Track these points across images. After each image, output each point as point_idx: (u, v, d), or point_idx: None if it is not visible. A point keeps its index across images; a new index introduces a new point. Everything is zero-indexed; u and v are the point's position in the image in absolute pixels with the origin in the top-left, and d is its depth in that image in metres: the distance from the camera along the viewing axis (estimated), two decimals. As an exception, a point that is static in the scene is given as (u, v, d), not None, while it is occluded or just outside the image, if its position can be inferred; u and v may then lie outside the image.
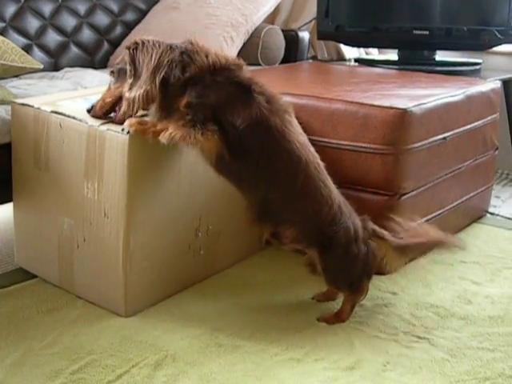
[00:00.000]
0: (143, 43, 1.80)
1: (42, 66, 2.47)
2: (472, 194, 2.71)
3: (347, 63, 3.74)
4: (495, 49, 3.35)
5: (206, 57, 1.79)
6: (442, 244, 1.98)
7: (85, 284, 2.03)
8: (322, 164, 1.90)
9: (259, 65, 3.25)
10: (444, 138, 2.40)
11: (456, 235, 2.63)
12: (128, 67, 1.81)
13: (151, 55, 1.78)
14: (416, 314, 2.03)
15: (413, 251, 1.94)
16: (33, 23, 3.00)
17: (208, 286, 2.18)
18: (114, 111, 1.90)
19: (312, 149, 1.89)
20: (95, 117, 1.92)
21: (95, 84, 2.57)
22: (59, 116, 1.96)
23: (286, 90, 2.39)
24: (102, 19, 3.24)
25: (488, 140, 2.74)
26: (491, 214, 2.93)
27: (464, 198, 2.65)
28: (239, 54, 3.11)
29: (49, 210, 2.06)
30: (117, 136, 1.84)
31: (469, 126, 2.55)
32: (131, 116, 1.83)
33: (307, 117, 2.30)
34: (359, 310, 2.03)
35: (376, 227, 1.96)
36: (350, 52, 3.86)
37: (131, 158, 1.84)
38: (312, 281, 2.06)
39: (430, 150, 2.32)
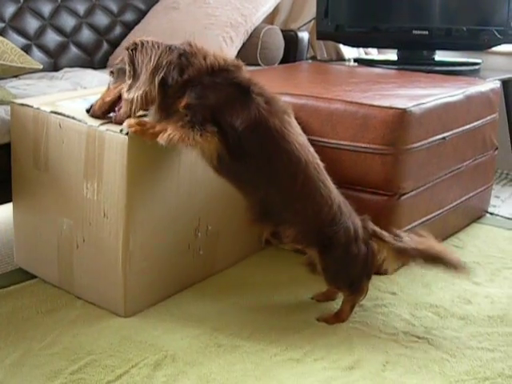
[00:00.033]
0: (142, 44, 1.80)
1: (41, 67, 2.46)
2: (471, 194, 2.71)
3: (346, 63, 3.74)
4: (494, 49, 3.35)
5: (204, 59, 1.79)
6: (442, 258, 1.94)
7: (84, 284, 2.03)
8: (321, 164, 1.90)
9: (258, 65, 3.25)
10: (443, 138, 2.40)
11: (456, 236, 2.64)
12: (127, 68, 1.81)
13: (150, 56, 1.78)
14: (415, 314, 2.04)
15: (411, 256, 1.92)
16: (32, 23, 3.00)
17: (207, 286, 2.18)
18: (114, 111, 1.90)
19: (311, 149, 1.90)
20: (94, 116, 1.92)
21: (94, 84, 2.57)
22: (59, 116, 1.96)
23: (285, 90, 2.40)
24: (101, 19, 3.24)
25: (487, 140, 2.74)
26: (491, 213, 2.93)
27: (463, 198, 2.65)
28: (238, 54, 3.11)
29: (48, 210, 2.06)
30: (116, 136, 1.84)
31: (468, 126, 2.55)
32: (130, 117, 1.83)
33: (306, 117, 2.30)
34: (359, 310, 2.03)
35: (376, 228, 1.96)
36: (350, 52, 3.86)
37: (130, 159, 1.84)
38: (311, 281, 2.06)
39: (429, 150, 2.32)
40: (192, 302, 2.06)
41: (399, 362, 1.78)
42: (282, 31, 3.37)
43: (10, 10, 2.94)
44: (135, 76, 1.80)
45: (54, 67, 3.02)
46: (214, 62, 1.79)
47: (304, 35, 3.44)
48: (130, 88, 1.80)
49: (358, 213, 1.96)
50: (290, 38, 3.38)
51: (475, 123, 2.60)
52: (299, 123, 1.93)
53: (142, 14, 3.37)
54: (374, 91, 2.45)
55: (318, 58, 3.80)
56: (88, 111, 1.93)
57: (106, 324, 1.92)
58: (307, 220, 1.88)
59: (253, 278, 2.24)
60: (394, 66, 3.24)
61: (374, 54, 3.95)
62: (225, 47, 3.03)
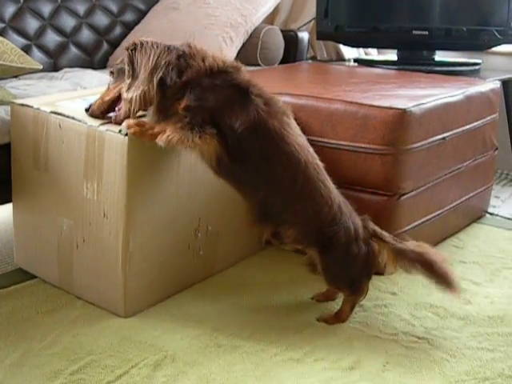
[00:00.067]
0: (142, 44, 1.81)
1: (41, 67, 2.46)
2: (471, 194, 2.71)
3: (346, 63, 3.74)
4: (494, 49, 3.35)
5: (203, 61, 1.79)
6: (435, 264, 1.92)
7: (84, 284, 2.03)
8: (321, 164, 1.90)
9: (258, 65, 3.25)
10: (443, 138, 2.40)
11: (456, 236, 2.64)
12: (126, 67, 1.82)
13: (149, 56, 1.78)
14: (415, 315, 2.04)
15: (410, 258, 1.91)
16: (32, 24, 3.00)
17: (207, 286, 2.18)
18: (113, 111, 1.90)
19: (311, 150, 1.89)
20: (93, 116, 1.92)
21: (94, 84, 2.57)
22: (58, 116, 1.96)
23: (285, 91, 2.40)
24: (101, 19, 3.24)
25: (487, 140, 2.74)
26: (491, 214, 2.93)
27: (463, 198, 2.65)
28: (238, 54, 3.11)
29: (48, 210, 2.06)
30: (116, 136, 1.84)
31: (468, 126, 2.55)
32: (129, 117, 1.83)
33: (306, 117, 2.30)
34: (359, 310, 2.03)
35: (376, 228, 1.96)
36: (350, 52, 3.86)
37: (130, 159, 1.84)
38: (312, 281, 2.06)
39: (429, 150, 2.32)
40: (192, 303, 2.06)
41: (399, 362, 1.78)
42: (282, 31, 3.37)
43: (9, 10, 2.94)
44: (134, 75, 1.80)
45: (54, 67, 3.02)
46: (212, 64, 1.79)
47: (304, 35, 3.44)
48: (129, 87, 1.81)
49: (358, 213, 1.96)
50: (290, 38, 3.38)
51: (475, 123, 2.60)
52: (299, 123, 1.93)
53: (141, 14, 3.37)
54: (373, 91, 2.45)
55: (318, 58, 3.80)
56: (87, 110, 1.93)
57: (105, 324, 1.92)
58: (307, 220, 1.88)
59: (253, 279, 2.24)
60: (393, 67, 3.24)
61: (373, 54, 3.95)
62: (225, 47, 3.03)
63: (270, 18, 3.63)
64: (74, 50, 3.12)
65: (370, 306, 2.07)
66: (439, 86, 2.62)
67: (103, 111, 1.92)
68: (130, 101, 1.79)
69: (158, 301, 2.04)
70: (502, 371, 1.75)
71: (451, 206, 2.57)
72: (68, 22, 3.12)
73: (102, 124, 1.88)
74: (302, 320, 1.99)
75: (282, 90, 2.39)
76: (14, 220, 2.20)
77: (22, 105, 2.04)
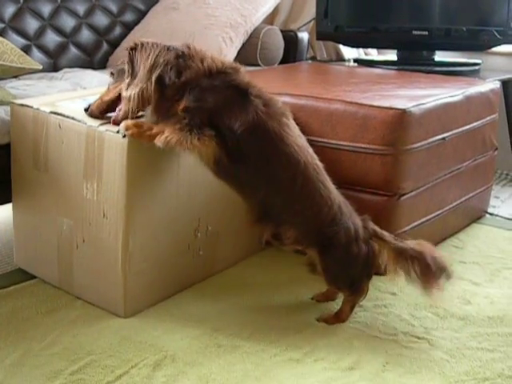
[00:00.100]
0: (142, 44, 1.81)
1: (41, 67, 2.47)
2: (471, 195, 2.71)
3: (346, 64, 3.74)
4: (494, 49, 3.35)
5: (202, 62, 1.79)
6: (435, 261, 1.92)
7: (84, 284, 2.03)
8: (321, 165, 1.90)
9: (258, 65, 3.25)
10: (443, 139, 2.40)
11: (456, 236, 2.64)
12: (126, 67, 1.83)
13: (148, 54, 1.79)
14: (415, 315, 2.04)
15: (411, 258, 1.90)
16: (32, 24, 3.00)
17: (207, 286, 2.18)
18: (113, 111, 1.90)
19: (311, 150, 1.89)
20: (92, 116, 1.92)
21: (94, 84, 2.57)
22: (58, 117, 1.96)
23: (285, 91, 2.40)
24: (101, 20, 3.24)
25: (487, 140, 2.74)
26: (490, 214, 2.93)
27: (463, 199, 2.65)
28: (238, 54, 3.11)
29: (48, 210, 2.06)
30: (116, 137, 1.84)
31: (468, 127, 2.55)
32: (127, 118, 1.83)
33: (306, 117, 2.30)
34: (359, 310, 2.03)
35: (377, 228, 1.96)
36: (349, 52, 3.86)
37: (130, 159, 1.84)
38: (311, 281, 2.06)
39: (429, 150, 2.32)
40: (192, 303, 2.06)
41: (399, 363, 1.78)
42: (282, 31, 3.37)
43: (9, 10, 2.94)
44: (133, 74, 1.81)
45: (54, 68, 3.02)
46: (211, 65, 1.79)
47: (304, 35, 3.44)
48: (128, 86, 1.81)
49: (358, 213, 1.96)
50: (290, 39, 3.38)
51: (475, 124, 2.60)
52: (299, 124, 1.93)
53: (141, 15, 3.37)
54: (373, 92, 2.45)
55: (318, 58, 3.80)
56: (86, 110, 1.94)
57: (105, 324, 1.92)
58: (307, 221, 1.88)
59: (253, 279, 2.24)
60: (393, 67, 3.24)
61: (373, 54, 3.95)
62: (224, 47, 3.03)
63: (270, 18, 3.63)
64: (73, 50, 3.12)
65: (370, 306, 2.07)
66: (439, 86, 2.62)
67: (102, 111, 1.92)
68: (129, 98, 1.79)
69: (157, 301, 2.04)
70: (501, 371, 1.75)
71: (451, 206, 2.57)
72: (68, 23, 3.12)
73: (101, 124, 1.88)
74: (302, 320, 1.99)
75: (282, 91, 2.39)
76: (14, 220, 2.20)
77: (22, 105, 2.04)
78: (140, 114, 1.86)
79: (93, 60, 3.19)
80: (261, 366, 1.75)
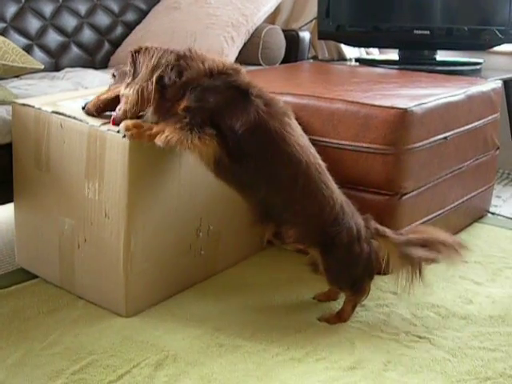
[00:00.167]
0: (146, 48, 1.83)
1: (42, 67, 2.47)
2: (473, 194, 2.71)
3: (348, 63, 3.74)
4: (496, 48, 3.35)
5: (203, 63, 1.79)
6: (444, 244, 1.96)
7: (86, 284, 2.03)
8: (323, 164, 1.90)
9: (260, 65, 3.25)
10: (445, 138, 2.40)
11: (457, 235, 2.63)
12: (128, 68, 1.83)
13: (151, 56, 1.80)
14: (417, 314, 2.03)
15: (415, 247, 1.92)
16: (33, 23, 3.00)
17: (209, 286, 2.18)
18: (111, 110, 1.90)
19: (313, 150, 1.89)
20: (88, 114, 1.94)
21: (96, 84, 2.57)
22: (60, 116, 1.96)
23: (286, 90, 2.40)
24: (102, 19, 3.25)
25: (489, 140, 2.73)
26: (492, 213, 2.93)
27: (465, 198, 2.65)
28: (240, 54, 3.11)
29: (50, 210, 2.06)
30: (117, 136, 1.84)
31: (469, 126, 2.55)
32: (127, 117, 1.83)
33: (308, 117, 2.30)
34: (360, 309, 2.03)
35: (378, 226, 1.96)
36: (351, 52, 3.86)
37: (132, 158, 1.84)
38: (313, 281, 2.06)
39: (430, 149, 2.32)
40: (193, 302, 2.06)
41: (401, 362, 1.78)
42: (284, 31, 3.37)
43: (11, 10, 2.94)
44: (135, 75, 1.81)
45: (56, 67, 3.02)
46: (212, 66, 1.79)
47: (305, 35, 3.44)
48: (127, 85, 1.82)
49: (360, 213, 1.96)
50: (292, 38, 3.38)
51: (477, 123, 2.60)
52: (300, 123, 1.93)
53: (143, 14, 3.37)
54: (375, 91, 2.45)
55: (320, 57, 3.80)
56: (83, 108, 1.95)
57: (107, 324, 1.92)
58: (309, 220, 1.88)
59: (254, 278, 2.24)
60: (395, 66, 3.24)
61: (375, 53, 3.95)
62: (226, 47, 3.03)
63: (272, 18, 3.63)
64: (75, 49, 3.12)
65: (372, 306, 2.07)
66: (441, 86, 2.61)
67: (98, 109, 1.93)
68: (127, 96, 1.80)
69: (159, 300, 2.04)
70: (503, 371, 1.74)
71: (453, 205, 2.57)
72: (69, 22, 3.12)
73: (103, 124, 1.88)
74: (304, 320, 1.99)
75: (284, 90, 2.39)
76: (16, 220, 2.20)
77: (24, 105, 2.04)
78: (141, 113, 1.86)
79: (94, 60, 3.19)
80: (262, 365, 1.75)
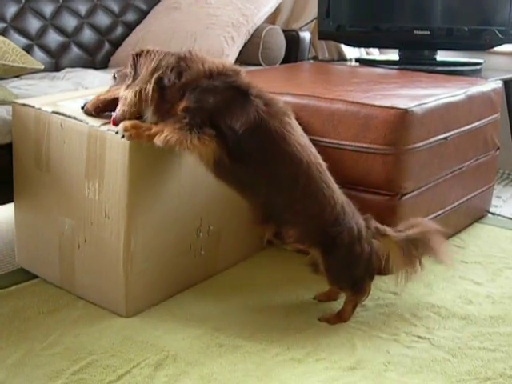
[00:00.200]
0: (148, 51, 1.84)
1: (42, 67, 2.47)
2: (473, 194, 2.71)
3: (348, 63, 3.74)
4: (496, 49, 3.35)
5: (202, 64, 1.80)
6: (435, 236, 1.99)
7: (86, 284, 2.03)
8: (324, 164, 1.90)
9: (260, 65, 3.25)
10: (445, 138, 2.40)
11: (457, 236, 2.64)
12: (129, 70, 1.84)
13: (152, 59, 1.81)
14: (417, 314, 2.03)
15: (414, 243, 1.94)
16: (34, 23, 3.00)
17: (209, 286, 2.18)
18: (111, 110, 1.90)
19: (314, 150, 1.90)
20: (86, 113, 1.94)
21: (96, 84, 2.57)
22: (60, 116, 1.96)
23: (286, 90, 2.40)
24: (102, 19, 3.25)
25: (489, 140, 2.73)
26: (492, 213, 2.93)
27: (465, 198, 2.65)
28: (240, 54, 3.11)
29: (50, 210, 2.06)
30: (117, 136, 1.83)
31: (470, 126, 2.55)
32: (126, 118, 1.83)
33: (308, 117, 2.30)
34: (360, 310, 2.03)
35: (379, 225, 1.97)
36: (351, 52, 3.86)
37: (132, 158, 1.84)
38: (313, 281, 2.06)
39: (430, 150, 2.32)
40: (193, 302, 2.06)
41: (401, 362, 1.78)
42: (284, 31, 3.37)
43: (11, 10, 2.94)
44: (135, 77, 1.82)
45: (56, 67, 3.02)
46: (212, 67, 1.80)
47: (305, 35, 3.44)
48: (128, 87, 1.82)
49: (360, 213, 1.96)
50: (292, 38, 3.38)
51: (477, 123, 2.60)
52: (300, 123, 1.93)
53: (143, 14, 3.37)
54: (375, 91, 2.45)
55: (320, 57, 3.80)
56: (83, 108, 1.95)
57: (107, 324, 1.92)
58: (310, 220, 1.88)
59: (254, 278, 2.24)
60: (395, 66, 3.24)
61: (375, 54, 3.95)
62: (226, 47, 3.03)
63: (272, 18, 3.63)
64: (75, 49, 3.12)
65: (372, 306, 2.07)
66: (441, 86, 2.61)
67: (97, 109, 1.93)
68: (126, 98, 1.80)
69: (159, 301, 2.04)
70: (503, 371, 1.74)
71: (453, 205, 2.56)
72: (69, 22, 3.12)
73: (103, 124, 1.88)
74: (304, 320, 1.99)
75: (284, 90, 2.39)
76: (16, 220, 2.20)
77: (24, 105, 2.05)
78: (141, 114, 1.86)
79: (94, 60, 3.19)
80: (262, 365, 1.75)
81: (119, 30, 3.30)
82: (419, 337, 1.91)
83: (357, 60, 3.58)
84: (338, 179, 1.93)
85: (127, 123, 1.79)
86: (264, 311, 2.04)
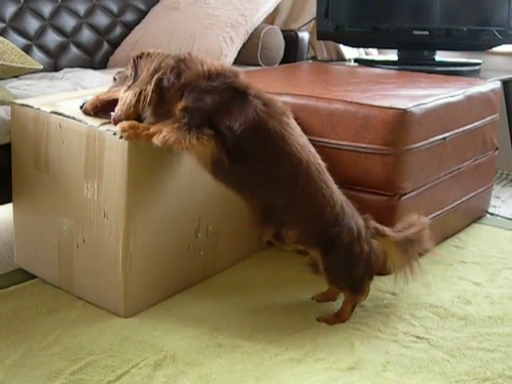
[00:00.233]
0: (148, 53, 1.86)
1: (41, 67, 2.47)
2: (472, 195, 2.71)
3: (347, 63, 3.74)
4: (495, 49, 3.35)
5: (201, 65, 1.81)
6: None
7: (84, 284, 2.03)
8: (323, 164, 1.90)
9: (259, 65, 3.25)
10: (444, 139, 2.40)
11: (456, 236, 2.64)
12: (129, 72, 1.85)
13: (153, 61, 1.82)
14: (416, 315, 2.03)
15: (413, 243, 1.95)
16: (32, 24, 3.00)
17: (208, 286, 2.18)
18: (108, 111, 1.90)
19: (313, 150, 1.90)
20: (85, 113, 1.94)
21: (95, 84, 2.57)
22: (59, 116, 1.96)
23: (285, 91, 2.40)
24: (101, 19, 3.25)
25: (488, 140, 2.74)
26: (491, 214, 2.93)
27: (464, 199, 2.65)
28: (239, 54, 3.11)
29: (48, 210, 2.06)
30: (116, 137, 1.83)
31: (468, 127, 2.55)
32: (124, 119, 1.83)
33: (307, 117, 2.30)
34: (359, 310, 2.03)
35: (378, 225, 1.97)
36: (350, 52, 3.86)
37: (131, 159, 1.84)
38: (312, 281, 2.06)
39: (429, 150, 2.32)
40: (192, 303, 2.06)
41: (399, 362, 1.78)
42: (283, 31, 3.37)
43: (10, 10, 2.94)
44: (135, 79, 1.83)
45: (55, 67, 3.02)
46: (211, 68, 1.81)
47: (304, 35, 3.44)
48: (127, 88, 1.83)
49: (359, 213, 1.96)
50: (291, 38, 3.38)
51: (476, 123, 2.60)
52: (299, 123, 1.93)
53: (142, 14, 3.37)
54: (374, 91, 2.45)
55: (319, 58, 3.80)
56: (81, 108, 1.96)
57: (106, 324, 1.92)
58: (309, 221, 1.88)
59: (253, 279, 2.24)
60: (394, 67, 3.24)
61: (374, 54, 3.95)
62: (225, 47, 3.03)
63: (271, 18, 3.63)
64: (74, 50, 3.12)
65: (371, 306, 2.07)
66: (440, 86, 2.62)
67: (95, 109, 1.93)
68: (125, 98, 1.81)
69: (158, 301, 2.04)
70: (502, 371, 1.74)
71: (451, 206, 2.57)
72: (68, 22, 3.12)
73: (102, 124, 1.88)
74: (303, 320, 1.99)
75: (283, 90, 2.39)
76: (15, 220, 2.20)
77: (23, 105, 2.04)
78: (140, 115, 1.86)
79: (93, 60, 3.19)
80: (261, 365, 1.75)
81: (118, 30, 3.29)
82: (418, 337, 1.91)
83: (356, 60, 3.58)
84: (336, 179, 1.93)
85: (125, 124, 1.79)
86: (263, 311, 2.04)
